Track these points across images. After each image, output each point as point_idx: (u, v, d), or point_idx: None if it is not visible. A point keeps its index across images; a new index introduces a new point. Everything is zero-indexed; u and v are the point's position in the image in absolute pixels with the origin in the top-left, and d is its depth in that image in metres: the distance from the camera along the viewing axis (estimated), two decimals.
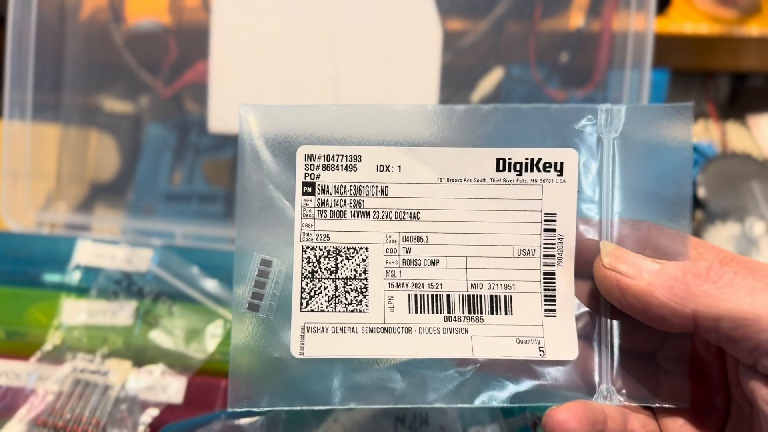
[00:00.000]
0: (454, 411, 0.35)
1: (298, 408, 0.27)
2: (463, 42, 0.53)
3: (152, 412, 0.38)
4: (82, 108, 0.56)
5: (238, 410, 0.27)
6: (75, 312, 0.41)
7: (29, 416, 0.37)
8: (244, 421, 0.35)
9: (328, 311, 0.27)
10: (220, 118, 0.52)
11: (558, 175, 0.28)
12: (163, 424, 0.36)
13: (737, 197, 0.55)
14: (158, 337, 0.40)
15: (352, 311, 0.27)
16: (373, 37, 0.51)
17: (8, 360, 0.39)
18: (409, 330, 0.27)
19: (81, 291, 0.42)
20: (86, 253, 0.43)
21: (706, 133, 0.63)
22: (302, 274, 0.27)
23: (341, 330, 0.27)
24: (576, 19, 0.54)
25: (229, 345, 0.39)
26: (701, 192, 0.56)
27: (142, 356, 0.39)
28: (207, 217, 0.54)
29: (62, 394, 0.38)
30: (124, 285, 0.41)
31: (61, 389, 0.38)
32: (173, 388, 0.38)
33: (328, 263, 0.27)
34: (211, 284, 0.42)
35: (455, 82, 0.53)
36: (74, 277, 0.42)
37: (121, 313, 0.41)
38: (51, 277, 0.43)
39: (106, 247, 0.43)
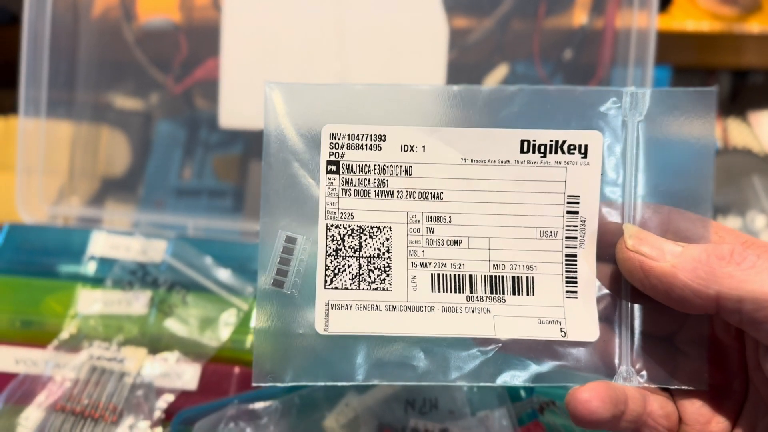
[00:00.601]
0: (463, 395, 0.36)
1: (322, 384, 0.27)
2: (469, 39, 0.54)
3: (167, 398, 0.38)
4: (94, 105, 0.57)
5: (263, 385, 0.27)
6: (91, 302, 0.42)
7: (47, 402, 0.38)
8: (257, 405, 0.36)
9: (352, 289, 0.28)
10: (231, 114, 0.52)
11: (582, 158, 0.28)
12: (177, 410, 0.37)
13: (738, 192, 0.56)
14: (173, 325, 0.41)
15: (376, 289, 0.28)
16: (380, 34, 0.52)
17: (26, 348, 0.40)
18: (431, 309, 0.28)
19: (96, 281, 0.43)
20: (101, 244, 0.44)
21: None
22: (326, 251, 0.28)
23: (365, 308, 0.28)
24: (579, 17, 0.55)
25: (242, 333, 0.41)
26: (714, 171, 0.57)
27: (157, 344, 0.40)
28: (217, 212, 0.55)
29: (79, 381, 0.38)
30: (138, 275, 0.42)
31: (78, 376, 0.39)
32: (188, 375, 0.39)
33: (352, 241, 0.28)
34: (224, 274, 0.42)
35: (461, 78, 0.54)
36: (89, 268, 0.43)
37: (136, 302, 0.41)
38: (67, 268, 0.44)
39: (120, 238, 0.44)
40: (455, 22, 0.54)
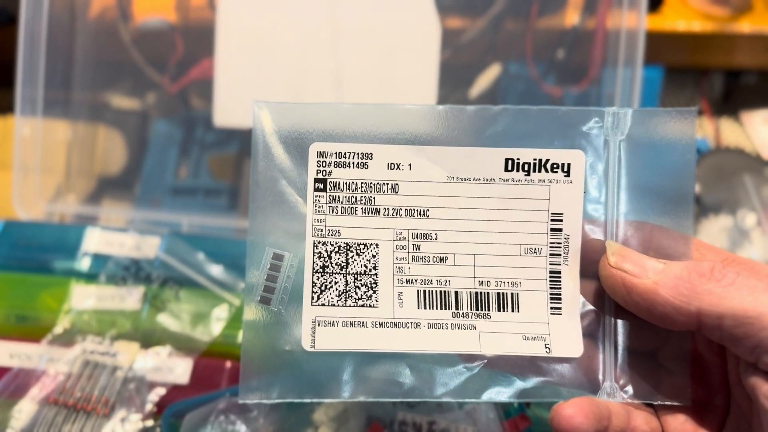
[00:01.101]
0: None
1: (308, 400, 0.28)
2: (462, 39, 0.55)
3: (159, 392, 0.39)
4: (90, 104, 0.57)
5: (249, 402, 0.27)
6: (84, 297, 0.42)
7: (41, 395, 0.38)
8: None
9: (338, 305, 0.28)
10: (225, 113, 0.53)
11: (565, 176, 0.28)
12: (169, 403, 0.38)
13: (730, 190, 0.57)
14: (165, 320, 0.41)
15: (362, 306, 0.28)
16: (373, 34, 0.52)
17: (20, 342, 0.40)
18: (417, 325, 0.28)
19: (90, 277, 0.43)
20: (95, 240, 0.44)
21: (700, 129, 0.65)
22: (313, 268, 0.28)
23: (351, 324, 0.28)
24: (572, 17, 0.55)
25: (233, 328, 0.41)
26: (696, 186, 0.57)
27: (149, 339, 0.41)
28: (212, 210, 0.55)
29: (72, 375, 0.39)
30: (132, 271, 0.43)
31: (71, 370, 0.39)
32: (180, 369, 0.39)
33: (338, 258, 0.28)
34: (216, 270, 0.43)
35: (454, 78, 0.55)
36: (84, 264, 0.44)
37: (130, 297, 0.42)
38: (61, 264, 0.44)
39: (114, 234, 0.44)
40: (448, 22, 0.55)
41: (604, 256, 0.27)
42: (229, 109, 0.53)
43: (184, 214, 0.52)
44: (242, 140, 0.57)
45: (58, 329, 0.41)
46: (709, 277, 0.25)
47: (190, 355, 0.40)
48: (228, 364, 0.40)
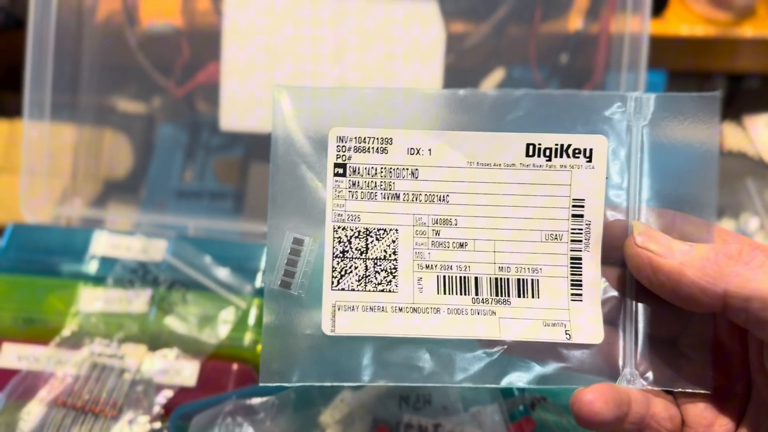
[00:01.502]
0: (456, 391, 0.36)
1: (329, 384, 0.28)
2: (466, 44, 0.55)
3: (167, 394, 0.39)
4: (97, 108, 0.58)
5: (270, 385, 0.27)
6: (92, 300, 0.42)
7: (49, 397, 0.39)
8: (255, 401, 0.37)
9: (358, 290, 0.28)
10: (231, 117, 0.53)
11: (587, 162, 0.28)
12: (177, 405, 0.38)
13: (732, 194, 0.57)
14: (172, 323, 0.41)
15: (382, 291, 0.28)
16: (378, 38, 0.53)
17: (29, 345, 0.41)
18: (437, 310, 0.28)
19: (98, 280, 0.43)
20: (103, 244, 0.45)
21: None
22: (333, 253, 0.28)
23: (371, 309, 0.28)
24: (575, 22, 0.56)
25: (240, 330, 0.41)
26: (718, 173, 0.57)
27: (157, 341, 0.41)
28: (217, 213, 0.56)
29: (80, 377, 0.39)
30: (139, 274, 0.43)
31: (79, 372, 0.39)
32: (187, 372, 0.40)
33: (358, 243, 0.28)
34: (223, 273, 0.43)
35: (458, 82, 0.55)
36: (91, 267, 0.44)
37: (137, 300, 0.42)
38: (69, 267, 0.44)
39: (122, 237, 0.45)
40: (452, 26, 0.55)
41: (631, 235, 0.27)
42: (235, 113, 0.53)
43: (189, 218, 0.53)
44: (248, 144, 0.58)
45: (66, 332, 0.41)
46: (737, 260, 0.24)
47: (197, 358, 0.40)
48: (235, 366, 0.40)
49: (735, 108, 0.67)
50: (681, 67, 0.64)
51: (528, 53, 0.56)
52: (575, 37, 0.55)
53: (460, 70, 0.55)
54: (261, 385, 0.27)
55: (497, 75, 0.56)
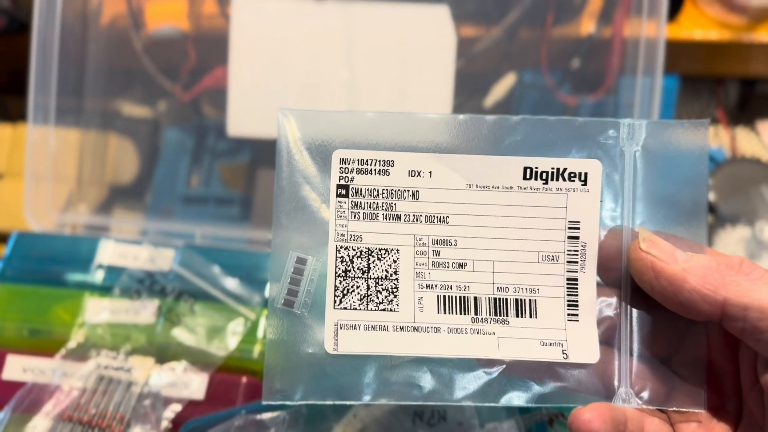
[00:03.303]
0: (471, 407, 0.35)
1: (330, 402, 0.28)
2: (477, 48, 0.54)
3: (175, 408, 0.38)
4: (102, 112, 0.57)
5: (273, 403, 0.28)
6: (98, 310, 0.42)
7: (55, 411, 0.38)
8: (265, 416, 0.36)
9: (360, 309, 0.28)
10: (238, 123, 0.53)
11: (582, 185, 0.29)
12: (185, 420, 0.37)
13: (747, 201, 0.56)
14: (180, 334, 0.41)
15: (384, 310, 0.28)
16: (387, 44, 0.52)
17: (33, 357, 0.40)
18: (437, 330, 0.28)
19: (104, 290, 0.43)
20: (109, 253, 0.44)
21: (715, 138, 0.64)
22: (336, 272, 0.28)
23: (373, 328, 0.28)
24: (587, 26, 0.55)
25: (249, 342, 0.41)
26: (711, 196, 0.57)
27: (164, 353, 0.40)
28: (224, 220, 0.55)
29: (87, 390, 0.39)
30: (146, 284, 0.42)
31: (85, 385, 0.39)
32: (195, 385, 0.39)
33: (360, 263, 0.29)
34: (232, 283, 0.42)
35: (468, 87, 0.54)
36: (97, 277, 0.43)
37: (144, 311, 0.41)
38: (74, 277, 0.44)
39: (128, 246, 0.44)
40: (463, 30, 0.54)
41: (635, 240, 0.27)
42: (242, 119, 0.52)
43: (196, 224, 0.52)
44: (254, 149, 0.57)
45: (72, 343, 0.41)
46: (738, 270, 0.25)
47: (206, 370, 0.39)
48: (244, 379, 0.39)
49: (748, 113, 0.66)
50: (694, 72, 0.63)
51: (539, 57, 0.55)
52: (588, 41, 0.54)
53: (471, 75, 0.55)
54: (264, 403, 0.28)
55: (508, 80, 0.55)
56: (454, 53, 0.52)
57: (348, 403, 0.28)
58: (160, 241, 0.45)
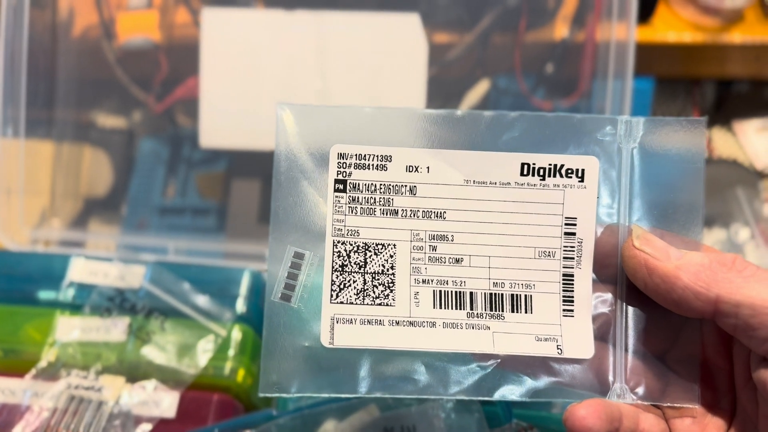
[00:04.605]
0: (441, 422, 0.36)
1: (326, 395, 0.28)
2: (450, 54, 0.54)
3: (145, 427, 0.38)
4: (75, 124, 0.56)
5: (270, 395, 0.28)
6: (69, 329, 0.41)
7: None
8: None
9: (356, 304, 0.29)
10: (211, 134, 0.52)
11: (579, 181, 0.29)
12: None
13: (723, 203, 0.56)
14: (151, 352, 0.40)
15: (380, 304, 0.29)
16: (359, 52, 0.52)
17: (4, 377, 0.40)
18: (433, 324, 0.29)
19: (75, 308, 0.42)
20: (80, 270, 0.44)
21: None
22: (333, 267, 0.29)
23: (369, 322, 0.29)
24: (561, 30, 0.55)
25: (220, 359, 0.41)
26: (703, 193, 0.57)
27: (135, 372, 0.40)
28: (200, 231, 0.55)
29: (57, 411, 0.38)
30: (117, 302, 0.42)
31: (56, 406, 0.39)
32: (166, 403, 0.39)
33: (357, 258, 0.29)
34: (202, 300, 0.42)
35: (442, 93, 0.54)
36: (68, 295, 0.43)
37: (115, 329, 0.41)
38: (45, 295, 0.43)
39: (99, 264, 0.44)
40: (436, 37, 0.54)
41: (629, 238, 0.27)
42: (215, 130, 0.52)
43: (171, 238, 0.52)
44: (230, 158, 0.57)
45: (43, 363, 0.40)
46: (730, 267, 0.26)
47: (177, 389, 0.39)
48: (215, 396, 0.39)
49: (724, 113, 0.66)
50: (669, 74, 0.63)
51: (513, 63, 0.55)
52: (561, 46, 0.54)
53: (445, 81, 0.54)
54: (260, 395, 0.28)
55: (482, 86, 0.55)
56: (426, 60, 0.51)
57: (344, 396, 0.28)
58: (131, 257, 0.44)
